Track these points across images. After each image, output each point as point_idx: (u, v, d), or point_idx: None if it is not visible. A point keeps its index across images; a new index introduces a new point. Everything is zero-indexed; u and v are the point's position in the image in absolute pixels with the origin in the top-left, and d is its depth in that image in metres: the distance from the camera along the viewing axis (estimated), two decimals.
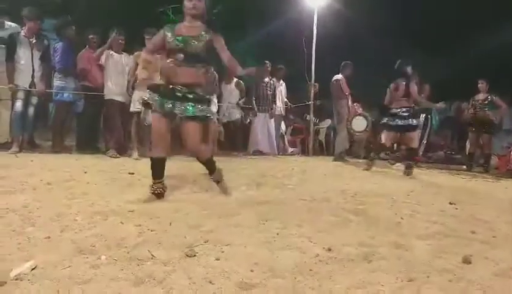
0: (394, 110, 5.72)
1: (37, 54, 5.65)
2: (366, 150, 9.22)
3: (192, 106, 2.97)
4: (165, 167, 3.08)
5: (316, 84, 8.75)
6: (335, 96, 7.40)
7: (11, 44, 5.52)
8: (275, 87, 8.22)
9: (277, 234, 2.22)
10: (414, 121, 5.73)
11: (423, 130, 7.78)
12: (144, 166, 4.48)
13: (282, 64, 8.60)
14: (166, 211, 2.60)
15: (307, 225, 2.45)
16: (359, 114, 7.32)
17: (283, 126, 8.89)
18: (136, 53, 5.72)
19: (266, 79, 8.11)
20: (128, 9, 10.12)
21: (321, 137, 9.60)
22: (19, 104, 5.57)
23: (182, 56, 2.96)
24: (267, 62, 8.13)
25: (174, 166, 4.88)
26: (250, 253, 1.88)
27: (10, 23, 5.93)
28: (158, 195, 2.99)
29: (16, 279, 1.46)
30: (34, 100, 5.74)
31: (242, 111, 8.04)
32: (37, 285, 1.43)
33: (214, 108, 7.21)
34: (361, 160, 8.05)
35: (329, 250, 1.98)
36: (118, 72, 6.06)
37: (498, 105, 7.34)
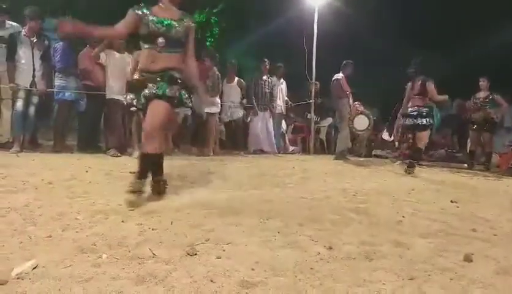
0: (412, 109, 5.72)
1: (37, 54, 5.65)
2: (368, 149, 9.23)
3: (166, 86, 2.76)
4: (161, 165, 2.98)
5: (317, 82, 8.74)
6: (335, 95, 7.39)
7: (12, 43, 5.52)
8: (273, 86, 8.21)
9: (278, 232, 2.22)
10: (424, 121, 5.67)
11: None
12: None
13: (282, 62, 8.59)
14: (167, 210, 2.60)
15: (308, 223, 2.45)
16: (361, 113, 7.32)
17: (284, 125, 8.88)
18: (137, 52, 5.72)
19: (264, 77, 8.11)
20: (129, 8, 10.11)
21: (322, 136, 9.60)
22: (20, 103, 5.57)
23: (163, 41, 2.74)
24: (265, 60, 8.14)
25: (175, 164, 4.88)
26: (251, 251, 1.89)
27: (11, 22, 5.93)
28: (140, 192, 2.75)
29: (18, 278, 1.47)
30: (35, 99, 5.74)
31: (243, 110, 8.05)
32: (38, 283, 1.44)
33: (216, 108, 7.24)
34: (362, 159, 8.05)
35: (330, 248, 1.98)
36: (119, 71, 6.06)
37: (499, 103, 7.33)
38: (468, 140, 8.09)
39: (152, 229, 2.16)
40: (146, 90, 2.77)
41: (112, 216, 2.39)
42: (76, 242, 1.88)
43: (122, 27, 2.81)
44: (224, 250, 1.89)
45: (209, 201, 2.94)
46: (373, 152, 9.21)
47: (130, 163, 4.92)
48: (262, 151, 7.95)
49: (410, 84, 5.81)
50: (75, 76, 6.09)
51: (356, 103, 7.51)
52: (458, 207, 3.24)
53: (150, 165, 2.88)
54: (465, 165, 7.58)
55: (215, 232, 2.17)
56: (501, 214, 3.08)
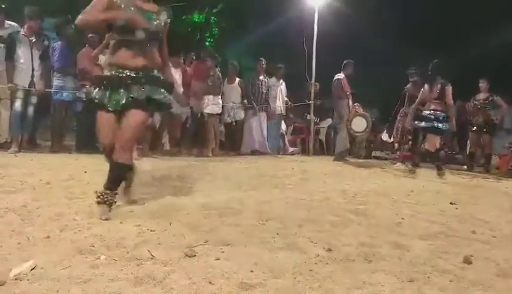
0: (425, 112, 5.67)
1: (36, 54, 5.65)
2: (367, 150, 9.23)
3: (149, 88, 2.51)
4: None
5: (316, 83, 8.74)
6: (336, 95, 7.39)
7: (11, 43, 5.52)
8: (269, 86, 8.20)
9: (277, 234, 2.21)
10: (440, 125, 5.57)
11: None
12: (143, 165, 4.48)
13: (282, 62, 8.59)
14: (166, 211, 2.59)
15: (307, 225, 2.44)
16: (359, 115, 7.31)
17: (283, 126, 8.88)
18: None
19: (261, 77, 8.09)
20: None
21: (322, 137, 9.59)
22: (18, 104, 5.56)
23: (143, 34, 2.46)
24: (262, 59, 8.13)
25: (174, 165, 4.88)
26: (250, 253, 1.88)
27: (9, 22, 5.92)
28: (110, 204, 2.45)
29: (16, 279, 1.46)
30: (34, 99, 5.73)
31: (244, 111, 8.05)
32: (36, 284, 1.43)
33: (217, 108, 7.24)
34: (361, 160, 8.05)
35: (330, 250, 1.98)
36: None
37: (499, 104, 7.34)
38: (468, 142, 8.10)
39: (151, 231, 2.15)
40: (122, 93, 2.46)
41: (110, 217, 2.38)
42: (74, 243, 1.87)
43: (96, 11, 2.43)
44: (223, 252, 1.88)
45: (208, 202, 2.94)
46: (373, 154, 9.21)
47: None
48: (258, 152, 7.93)
49: (426, 86, 5.74)
50: (73, 76, 6.08)
51: (355, 104, 7.51)
52: (457, 209, 3.23)
53: (122, 175, 2.60)
54: (465, 166, 7.58)
55: (214, 233, 2.16)
56: (501, 215, 3.08)
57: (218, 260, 1.78)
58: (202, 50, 8.37)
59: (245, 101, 7.90)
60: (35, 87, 5.68)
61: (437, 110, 5.60)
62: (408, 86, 7.35)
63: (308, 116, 8.87)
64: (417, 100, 5.91)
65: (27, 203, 2.57)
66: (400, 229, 2.50)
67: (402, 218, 2.77)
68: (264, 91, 8.08)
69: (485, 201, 3.76)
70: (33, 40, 5.61)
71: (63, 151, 5.85)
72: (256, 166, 5.38)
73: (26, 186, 3.13)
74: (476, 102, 7.42)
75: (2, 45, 5.58)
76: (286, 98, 8.60)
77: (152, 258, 1.74)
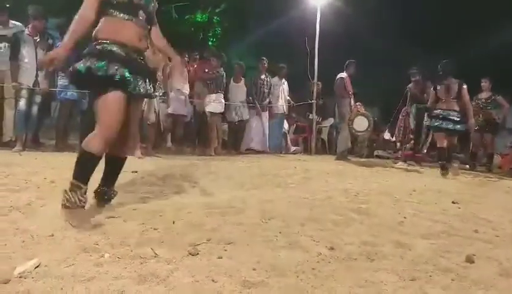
0: (443, 112, 5.63)
1: (41, 53, 5.66)
2: (369, 149, 9.23)
3: (147, 80, 2.40)
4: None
5: (319, 82, 8.74)
6: (338, 94, 7.40)
7: (15, 43, 5.55)
8: (271, 85, 8.21)
9: (280, 232, 2.22)
10: (458, 126, 5.62)
11: (427, 129, 7.76)
12: (147, 164, 4.50)
13: (284, 62, 8.60)
14: (169, 210, 2.60)
15: (310, 223, 2.45)
16: (361, 114, 7.31)
17: (285, 125, 8.89)
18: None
19: (263, 77, 8.11)
20: None
21: (324, 136, 9.60)
22: (22, 103, 5.59)
23: (144, 15, 2.37)
24: (264, 58, 8.15)
25: (177, 164, 4.89)
26: (253, 251, 1.89)
27: (14, 22, 5.94)
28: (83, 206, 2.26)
29: (20, 277, 1.47)
30: (38, 98, 5.76)
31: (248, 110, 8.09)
32: (40, 282, 1.44)
33: (220, 107, 7.27)
34: (363, 159, 8.05)
35: (332, 249, 1.98)
36: None
37: (501, 104, 7.32)
38: (470, 141, 8.08)
39: (154, 229, 2.16)
40: (140, 78, 2.32)
41: (114, 215, 2.39)
42: (78, 241, 1.89)
43: (88, 10, 2.28)
44: (226, 250, 1.89)
45: (210, 201, 2.95)
46: (375, 153, 9.22)
47: (132, 162, 4.92)
48: (254, 150, 7.97)
49: (442, 86, 5.71)
50: None
51: (357, 104, 7.51)
52: (460, 208, 3.23)
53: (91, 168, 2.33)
54: (467, 165, 7.56)
55: (216, 232, 2.17)
56: (504, 215, 3.07)
57: (221, 258, 1.79)
58: (205, 50, 8.40)
59: (251, 97, 7.94)
60: (39, 87, 5.70)
61: (456, 110, 5.60)
62: (410, 85, 7.35)
63: (310, 115, 8.88)
64: (430, 99, 5.88)
65: (32, 202, 2.59)
66: (403, 228, 2.50)
67: (404, 217, 2.77)
68: (266, 90, 8.10)
69: (487, 200, 3.75)
70: (38, 40, 5.63)
71: (67, 150, 5.87)
72: (258, 165, 5.39)
73: (30, 185, 3.15)
74: (478, 101, 7.41)
75: (7, 45, 5.61)
76: (288, 98, 8.62)
77: (155, 256, 1.75)
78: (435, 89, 5.79)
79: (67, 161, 4.66)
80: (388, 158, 8.51)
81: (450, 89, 5.65)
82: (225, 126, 8.17)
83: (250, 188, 3.66)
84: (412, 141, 7.64)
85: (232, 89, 7.89)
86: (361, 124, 7.25)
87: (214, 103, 7.17)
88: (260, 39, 12.69)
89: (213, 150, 7.06)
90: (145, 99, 4.45)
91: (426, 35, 12.37)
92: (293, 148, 8.87)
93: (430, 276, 1.71)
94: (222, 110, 7.41)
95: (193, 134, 7.69)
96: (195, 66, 7.48)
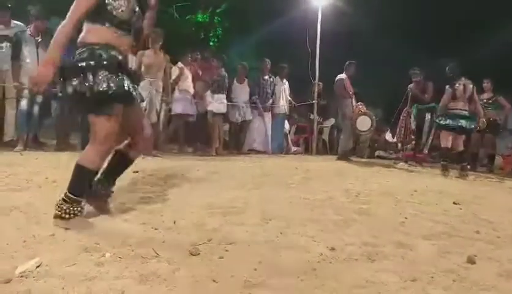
0: (460, 111, 5.75)
1: (42, 53, 5.67)
2: (370, 149, 9.21)
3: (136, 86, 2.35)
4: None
5: (320, 83, 8.73)
6: (339, 95, 7.39)
7: (16, 42, 5.55)
8: (274, 85, 8.23)
9: (281, 233, 2.22)
10: (473, 125, 5.81)
11: (428, 130, 7.76)
12: (148, 164, 4.51)
13: (285, 62, 8.60)
14: (170, 210, 2.61)
15: (311, 224, 2.45)
16: (364, 114, 7.30)
17: (286, 125, 8.89)
18: (139, 52, 5.75)
19: (266, 77, 8.13)
20: None
21: (325, 136, 9.59)
22: (24, 103, 5.59)
23: (134, 18, 2.29)
24: (267, 59, 8.16)
25: (178, 164, 4.89)
26: (254, 252, 1.89)
27: (16, 22, 5.95)
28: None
29: (21, 276, 1.47)
30: (39, 98, 5.76)
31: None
32: (41, 282, 1.44)
33: (223, 108, 7.29)
34: (364, 160, 8.04)
35: (333, 249, 1.98)
36: None
37: (502, 104, 7.31)
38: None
39: (155, 229, 2.16)
40: (129, 84, 2.20)
41: (115, 215, 2.39)
42: (79, 241, 1.89)
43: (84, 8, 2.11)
44: (227, 250, 1.89)
45: (212, 201, 2.95)
46: (376, 153, 9.20)
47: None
48: (256, 151, 7.98)
49: (460, 85, 5.79)
50: None
51: (358, 103, 7.50)
52: (461, 209, 3.23)
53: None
54: (468, 166, 7.54)
55: (218, 232, 2.17)
56: (505, 215, 3.07)
57: (222, 258, 1.79)
58: (206, 50, 8.40)
59: (254, 97, 7.96)
60: None
61: (466, 109, 5.75)
62: (411, 85, 7.34)
63: (311, 115, 8.87)
64: (446, 98, 5.90)
65: (33, 201, 2.59)
66: (404, 228, 2.50)
67: (405, 218, 2.77)
68: (269, 91, 8.13)
69: (489, 201, 3.75)
70: (39, 40, 5.64)
71: (68, 149, 5.87)
72: (259, 166, 5.39)
73: (31, 184, 3.15)
74: (480, 102, 7.39)
75: (8, 44, 5.61)
76: (289, 98, 8.62)
77: (156, 256, 1.75)
78: (452, 87, 5.83)
79: (69, 161, 4.67)
80: (389, 158, 8.50)
81: (467, 89, 5.78)
82: (226, 126, 8.17)
83: (251, 188, 3.66)
84: (413, 142, 7.62)
85: (235, 90, 7.92)
86: (364, 123, 7.25)
87: (216, 104, 7.20)
88: (261, 39, 12.69)
89: (214, 150, 7.07)
90: (147, 99, 4.44)
91: (428, 36, 12.35)
92: (293, 148, 8.87)
93: (432, 277, 1.71)
94: (224, 111, 7.42)
95: (195, 134, 7.70)
96: (196, 66, 7.50)
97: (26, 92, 5.59)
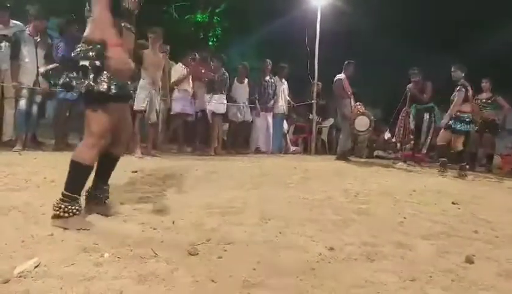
0: (468, 115, 5.85)
1: (41, 53, 5.67)
2: (369, 149, 9.22)
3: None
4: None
5: (319, 83, 8.74)
6: (337, 95, 7.39)
7: (15, 42, 5.54)
8: (275, 86, 8.24)
9: (280, 233, 2.22)
10: (473, 126, 5.99)
11: (427, 129, 7.76)
12: (147, 164, 4.51)
13: (285, 62, 8.60)
14: (169, 209, 2.60)
15: (310, 224, 2.45)
16: (362, 114, 7.30)
17: (285, 125, 8.90)
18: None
19: (267, 78, 8.14)
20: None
21: (324, 136, 9.59)
22: (23, 102, 5.58)
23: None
24: (268, 60, 8.17)
25: (177, 164, 4.89)
26: (253, 251, 1.89)
27: (15, 21, 5.94)
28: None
29: (20, 276, 1.47)
30: (38, 98, 5.76)
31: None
32: (40, 282, 1.44)
33: (222, 108, 7.30)
34: (363, 159, 8.05)
35: (332, 249, 1.98)
36: None
37: (501, 104, 7.32)
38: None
39: (154, 229, 2.16)
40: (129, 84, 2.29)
41: (114, 215, 2.39)
42: (78, 241, 1.89)
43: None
44: (226, 250, 1.89)
45: (210, 201, 2.95)
46: (375, 153, 9.21)
47: (132, 162, 4.93)
48: (260, 151, 8.00)
49: (468, 88, 5.85)
50: None
51: (357, 103, 7.50)
52: (459, 208, 3.23)
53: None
54: (467, 166, 7.55)
55: (216, 232, 2.17)
56: (503, 215, 3.07)
57: (221, 258, 1.79)
58: (205, 50, 8.40)
59: (253, 97, 7.98)
60: (39, 86, 5.70)
61: (470, 113, 5.88)
62: (410, 85, 7.34)
63: (310, 115, 8.88)
64: (459, 101, 5.89)
65: (32, 201, 2.58)
66: (402, 228, 2.50)
67: (404, 218, 2.78)
68: (270, 91, 8.15)
69: (487, 201, 3.75)
70: (38, 40, 5.63)
71: (67, 149, 5.86)
72: (258, 166, 5.39)
73: (30, 184, 3.15)
74: (479, 102, 7.40)
75: (7, 44, 5.60)
76: (288, 98, 8.63)
77: (155, 256, 1.75)
78: (465, 88, 5.84)
79: (67, 160, 4.67)
80: (388, 158, 8.50)
81: (470, 92, 5.88)
82: (225, 126, 8.18)
83: (250, 188, 3.66)
84: (412, 142, 7.63)
85: (236, 89, 7.94)
86: (362, 123, 7.24)
87: (216, 104, 7.21)
88: (260, 39, 12.69)
89: (213, 150, 7.08)
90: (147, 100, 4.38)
91: (426, 36, 12.36)
92: (292, 148, 8.87)
93: (430, 277, 1.71)
94: (224, 111, 7.44)
95: (193, 134, 7.70)
96: (194, 66, 7.50)
97: (24, 91, 5.59)
